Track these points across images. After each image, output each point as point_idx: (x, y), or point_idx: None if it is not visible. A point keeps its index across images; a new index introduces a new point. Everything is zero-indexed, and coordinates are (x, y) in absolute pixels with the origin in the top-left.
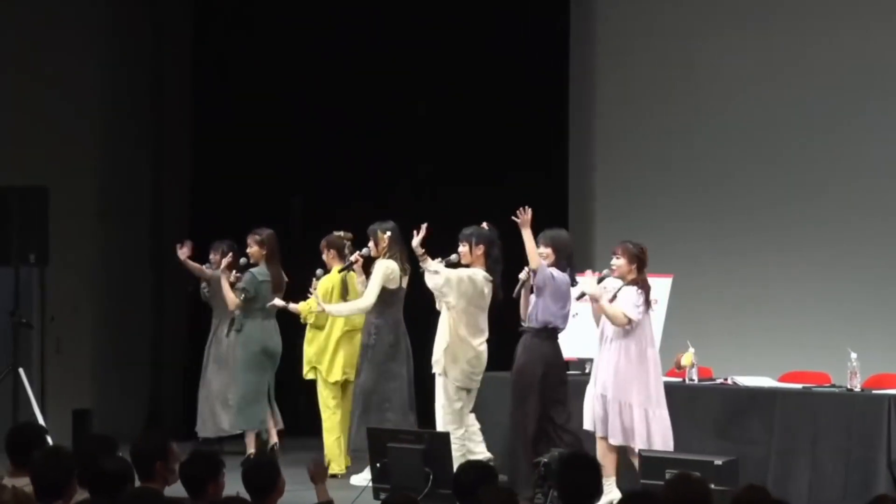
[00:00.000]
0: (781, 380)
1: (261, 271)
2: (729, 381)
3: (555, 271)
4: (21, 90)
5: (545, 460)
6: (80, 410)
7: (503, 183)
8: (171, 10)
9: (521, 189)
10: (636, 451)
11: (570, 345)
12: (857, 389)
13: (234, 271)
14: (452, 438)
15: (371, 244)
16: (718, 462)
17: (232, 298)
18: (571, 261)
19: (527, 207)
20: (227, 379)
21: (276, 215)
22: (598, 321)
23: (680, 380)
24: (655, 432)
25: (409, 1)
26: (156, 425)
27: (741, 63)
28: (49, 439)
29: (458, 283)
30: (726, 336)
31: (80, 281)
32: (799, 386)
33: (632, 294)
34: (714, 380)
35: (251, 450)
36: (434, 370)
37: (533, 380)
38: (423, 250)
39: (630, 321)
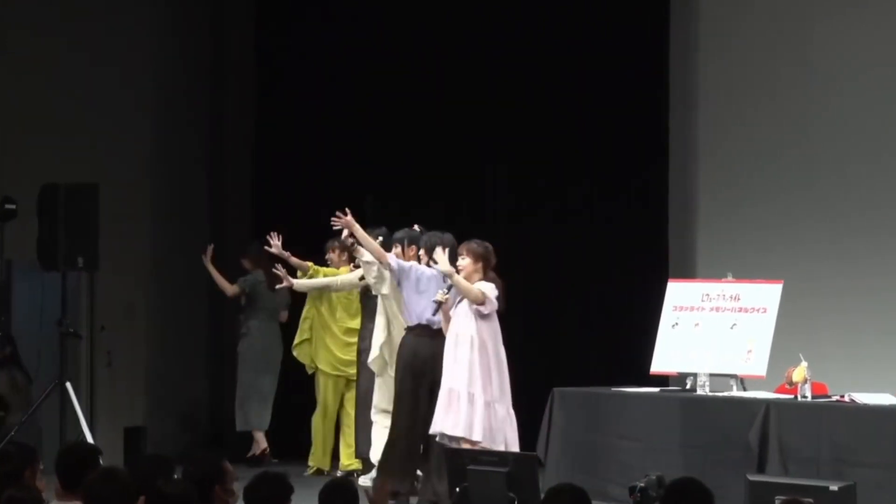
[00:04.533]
0: None
1: (260, 275)
2: (846, 399)
3: (417, 266)
4: (72, 81)
5: (641, 485)
6: (133, 428)
7: (598, 183)
8: (233, 4)
9: (621, 190)
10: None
11: (670, 357)
12: None
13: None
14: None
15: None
16: (834, 488)
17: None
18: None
19: (346, 210)
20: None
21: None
22: (446, 328)
23: (792, 397)
24: (499, 430)
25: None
26: (212, 445)
27: (857, 47)
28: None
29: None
30: (843, 348)
31: (133, 287)
32: None
33: (487, 285)
34: (829, 397)
35: (262, 446)
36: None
37: (404, 379)
38: (352, 241)
39: (486, 297)
